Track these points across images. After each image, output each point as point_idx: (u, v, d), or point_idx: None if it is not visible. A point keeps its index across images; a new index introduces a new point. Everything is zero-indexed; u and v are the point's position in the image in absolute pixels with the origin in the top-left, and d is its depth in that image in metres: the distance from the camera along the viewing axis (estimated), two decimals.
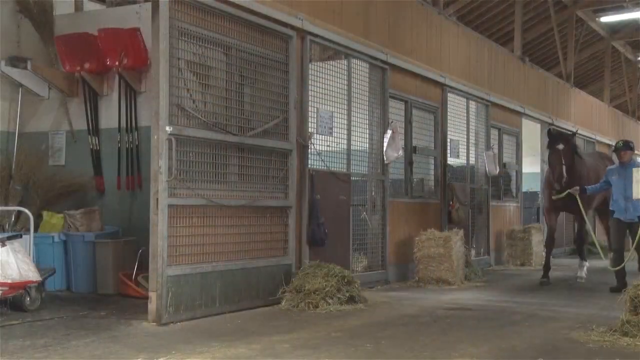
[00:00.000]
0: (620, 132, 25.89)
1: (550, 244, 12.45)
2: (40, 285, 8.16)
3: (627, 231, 10.88)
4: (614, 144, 12.35)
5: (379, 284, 10.87)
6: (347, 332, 6.93)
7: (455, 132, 14.03)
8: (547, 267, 11.97)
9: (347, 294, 8.56)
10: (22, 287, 7.83)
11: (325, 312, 8.06)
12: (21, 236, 8.37)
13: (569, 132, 12.78)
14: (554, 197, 11.78)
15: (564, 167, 11.36)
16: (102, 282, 9.43)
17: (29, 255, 8.22)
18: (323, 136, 10.00)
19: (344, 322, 7.55)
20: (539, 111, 18.24)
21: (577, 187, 11.33)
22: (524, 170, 17.75)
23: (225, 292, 7.99)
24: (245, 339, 6.47)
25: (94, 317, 7.70)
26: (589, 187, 11.48)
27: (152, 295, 7.26)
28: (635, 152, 12.38)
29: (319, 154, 9.80)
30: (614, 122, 25.58)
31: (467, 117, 14.45)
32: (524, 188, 17.81)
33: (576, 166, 11.90)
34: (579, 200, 11.38)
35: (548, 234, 12.52)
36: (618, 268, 10.40)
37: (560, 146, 11.61)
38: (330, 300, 8.29)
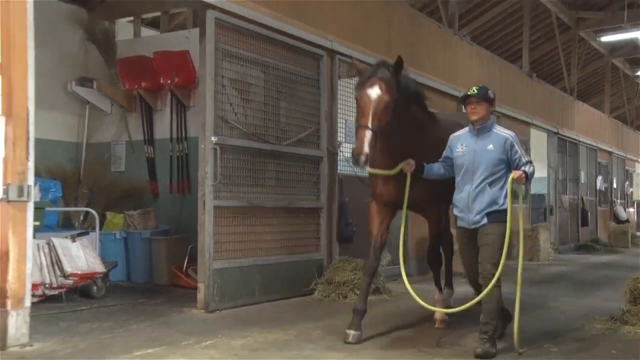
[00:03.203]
0: (620, 141, 25.46)
1: (371, 271, 6.23)
2: (105, 276, 8.24)
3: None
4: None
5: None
6: (373, 319, 6.83)
7: None
8: (361, 306, 6.06)
9: (373, 286, 8.43)
10: (90, 277, 7.92)
11: (353, 302, 7.96)
12: (88, 233, 8.50)
13: (391, 65, 5.83)
14: (373, 171, 6.15)
15: (368, 134, 5.43)
16: (157, 274, 9.48)
17: (95, 249, 8.30)
18: (351, 145, 9.93)
19: (370, 311, 7.38)
20: (546, 121, 17.98)
21: (412, 161, 5.89)
22: None
23: (264, 284, 7.97)
24: (282, 325, 6.44)
25: (150, 304, 7.75)
26: (428, 165, 5.96)
27: (200, 286, 7.27)
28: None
29: (347, 160, 9.72)
30: (614, 131, 25.13)
31: None
32: (532, 191, 17.52)
33: (409, 130, 5.98)
34: (407, 183, 5.98)
35: (371, 251, 6.25)
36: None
37: (374, 91, 5.58)
38: (357, 292, 8.17)
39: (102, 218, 9.72)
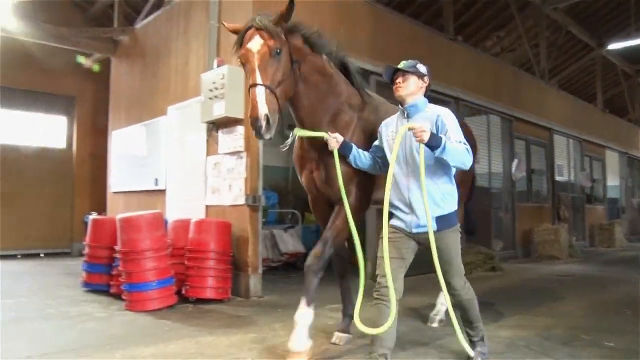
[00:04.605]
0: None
1: (341, 271, 3.96)
2: (305, 255, 8.22)
3: (414, 252, 3.20)
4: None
5: (510, 259, 9.81)
6: (490, 289, 6.24)
7: (560, 159, 12.49)
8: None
9: (490, 265, 7.81)
10: (296, 256, 7.99)
11: (475, 276, 7.34)
12: (294, 227, 8.59)
13: (271, 15, 2.88)
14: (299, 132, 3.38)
15: (260, 91, 2.76)
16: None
17: (299, 237, 8.38)
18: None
19: (489, 283, 6.85)
20: (617, 145, 15.93)
21: (340, 136, 3.20)
22: (608, 184, 15.52)
23: None
24: (416, 292, 5.95)
25: (333, 275, 7.61)
26: (357, 149, 3.21)
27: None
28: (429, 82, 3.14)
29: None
30: None
31: (568, 149, 12.90)
32: (608, 195, 15.58)
33: (319, 95, 3.27)
34: (336, 160, 3.19)
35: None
36: (384, 328, 2.93)
37: (254, 42, 2.84)
38: (479, 269, 7.62)
39: (303, 216, 9.87)
